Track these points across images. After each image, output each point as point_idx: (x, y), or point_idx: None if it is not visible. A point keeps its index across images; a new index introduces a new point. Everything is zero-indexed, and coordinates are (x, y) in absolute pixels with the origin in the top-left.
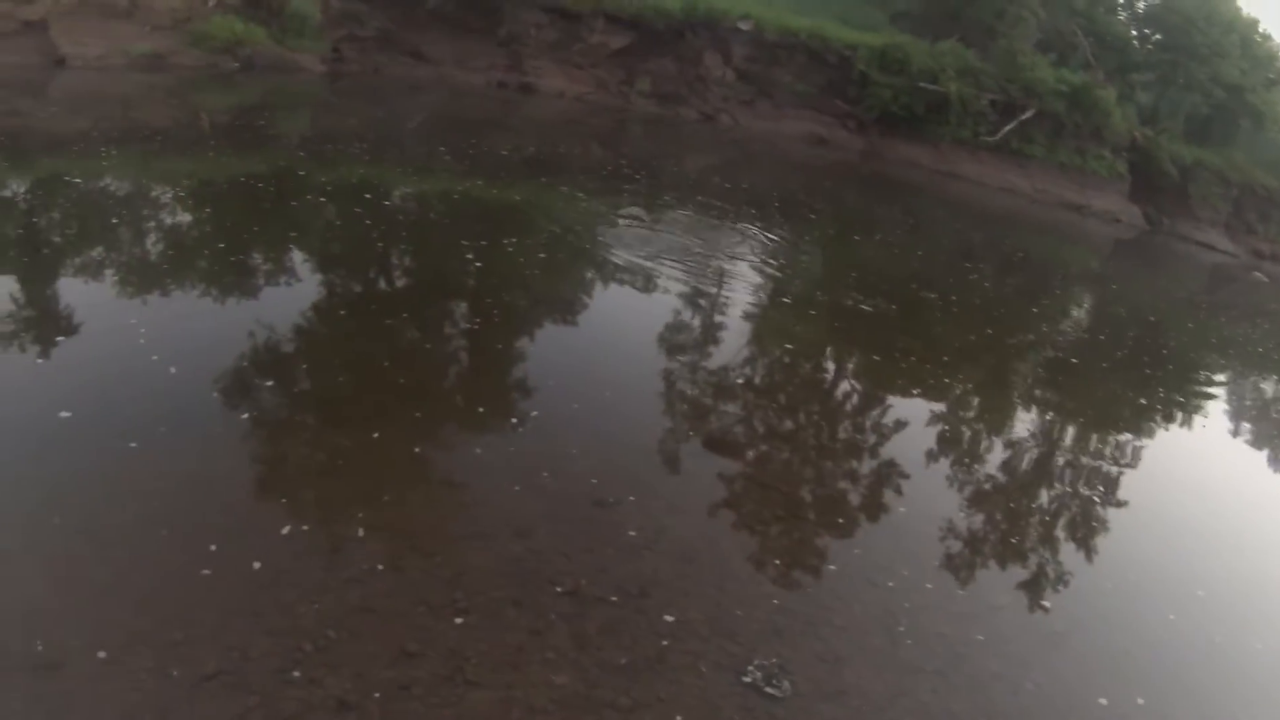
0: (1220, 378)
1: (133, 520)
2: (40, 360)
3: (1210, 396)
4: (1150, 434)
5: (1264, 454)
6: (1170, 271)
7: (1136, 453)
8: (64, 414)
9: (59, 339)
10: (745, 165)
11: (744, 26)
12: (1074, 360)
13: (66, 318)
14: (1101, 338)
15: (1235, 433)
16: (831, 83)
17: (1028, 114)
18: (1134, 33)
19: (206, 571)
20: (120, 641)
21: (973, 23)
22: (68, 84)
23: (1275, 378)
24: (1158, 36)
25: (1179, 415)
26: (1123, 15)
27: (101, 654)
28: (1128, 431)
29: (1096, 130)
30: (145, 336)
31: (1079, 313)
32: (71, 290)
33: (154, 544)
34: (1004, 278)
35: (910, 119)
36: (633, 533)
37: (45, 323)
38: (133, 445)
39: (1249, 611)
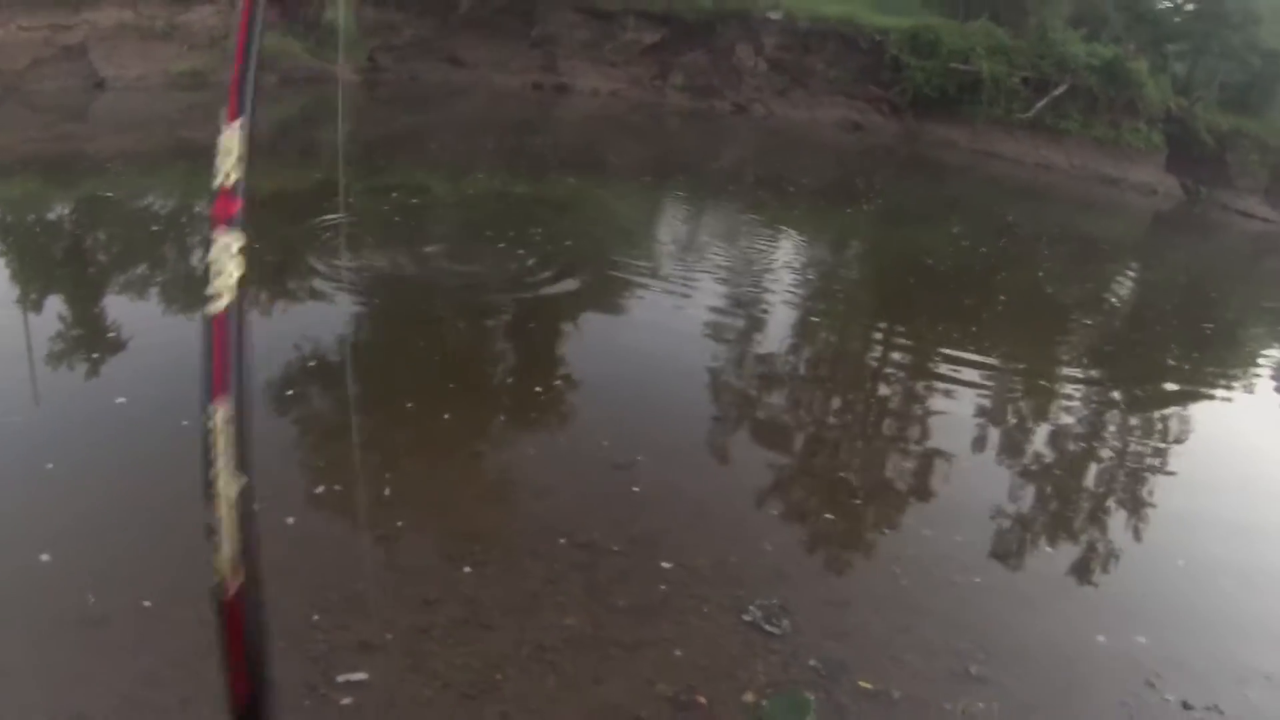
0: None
1: (174, 493)
2: (94, 365)
3: (1259, 368)
4: (1189, 400)
5: None
6: (1212, 241)
7: (1167, 419)
8: (120, 400)
9: (109, 348)
10: (781, 154)
11: (774, 16)
12: (1111, 331)
13: (117, 329)
14: (1142, 310)
15: None
16: (865, 68)
17: (1060, 89)
18: (1167, 3)
19: None
20: (165, 593)
21: (1004, 1)
22: (109, 105)
23: None
24: (1190, 5)
25: (1221, 385)
26: None
27: (147, 603)
28: (1166, 398)
29: (1130, 103)
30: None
31: (1118, 286)
32: (120, 304)
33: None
34: (1044, 253)
35: (944, 100)
36: (647, 491)
37: (94, 336)
38: (185, 424)
39: (1260, 561)
